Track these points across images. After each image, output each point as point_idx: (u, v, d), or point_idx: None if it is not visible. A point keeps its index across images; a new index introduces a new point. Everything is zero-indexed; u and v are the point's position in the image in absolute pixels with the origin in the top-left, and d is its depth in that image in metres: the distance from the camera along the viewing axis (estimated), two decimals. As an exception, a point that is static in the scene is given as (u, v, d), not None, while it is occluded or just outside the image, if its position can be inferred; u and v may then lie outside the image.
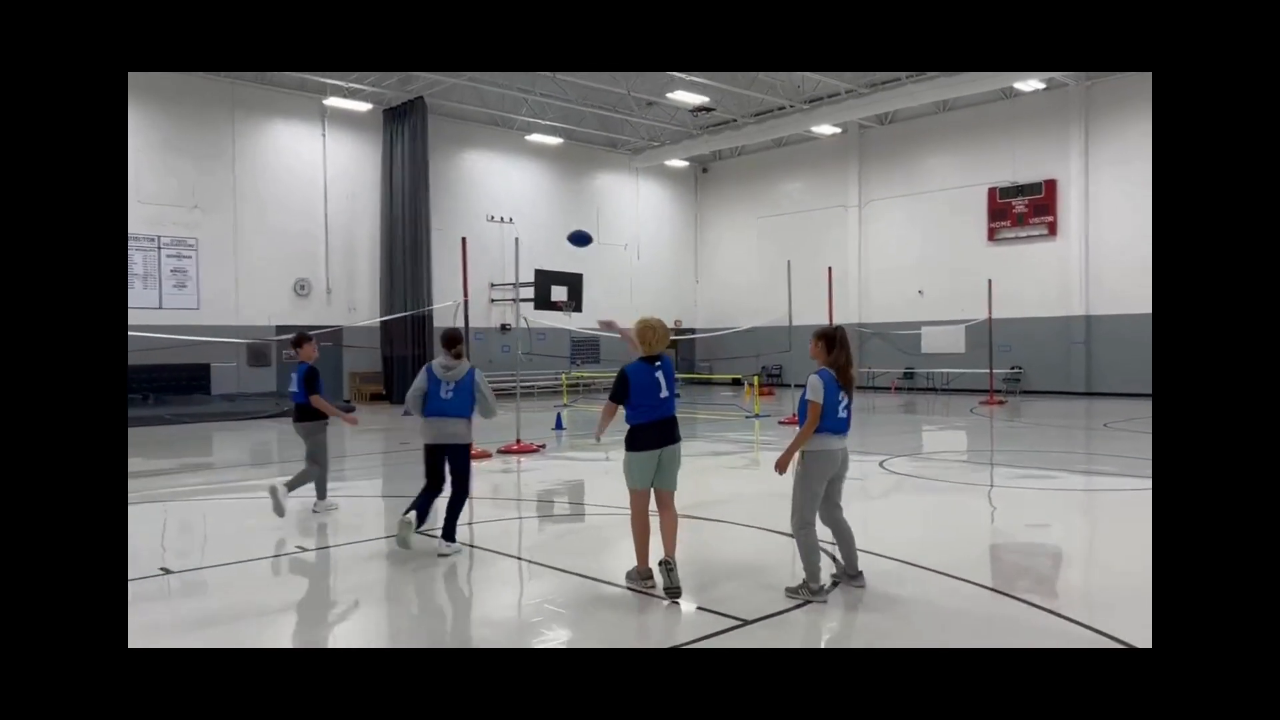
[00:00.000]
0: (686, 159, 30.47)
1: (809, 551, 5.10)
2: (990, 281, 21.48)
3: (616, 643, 4.70)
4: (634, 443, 5.23)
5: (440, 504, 6.64)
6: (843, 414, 5.12)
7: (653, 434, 5.20)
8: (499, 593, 5.81)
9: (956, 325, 24.70)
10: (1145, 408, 18.52)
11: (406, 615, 5.50)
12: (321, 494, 8.04)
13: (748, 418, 17.95)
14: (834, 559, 5.50)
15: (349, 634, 5.11)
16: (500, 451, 12.56)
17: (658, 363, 5.27)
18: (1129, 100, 22.16)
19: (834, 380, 5.10)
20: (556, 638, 4.78)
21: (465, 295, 12.88)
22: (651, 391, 5.20)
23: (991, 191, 24.67)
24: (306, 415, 7.85)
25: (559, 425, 15.78)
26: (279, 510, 7.42)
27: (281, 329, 21.27)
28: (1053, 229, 23.63)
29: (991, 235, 24.78)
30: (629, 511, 5.34)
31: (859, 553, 5.46)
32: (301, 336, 8.06)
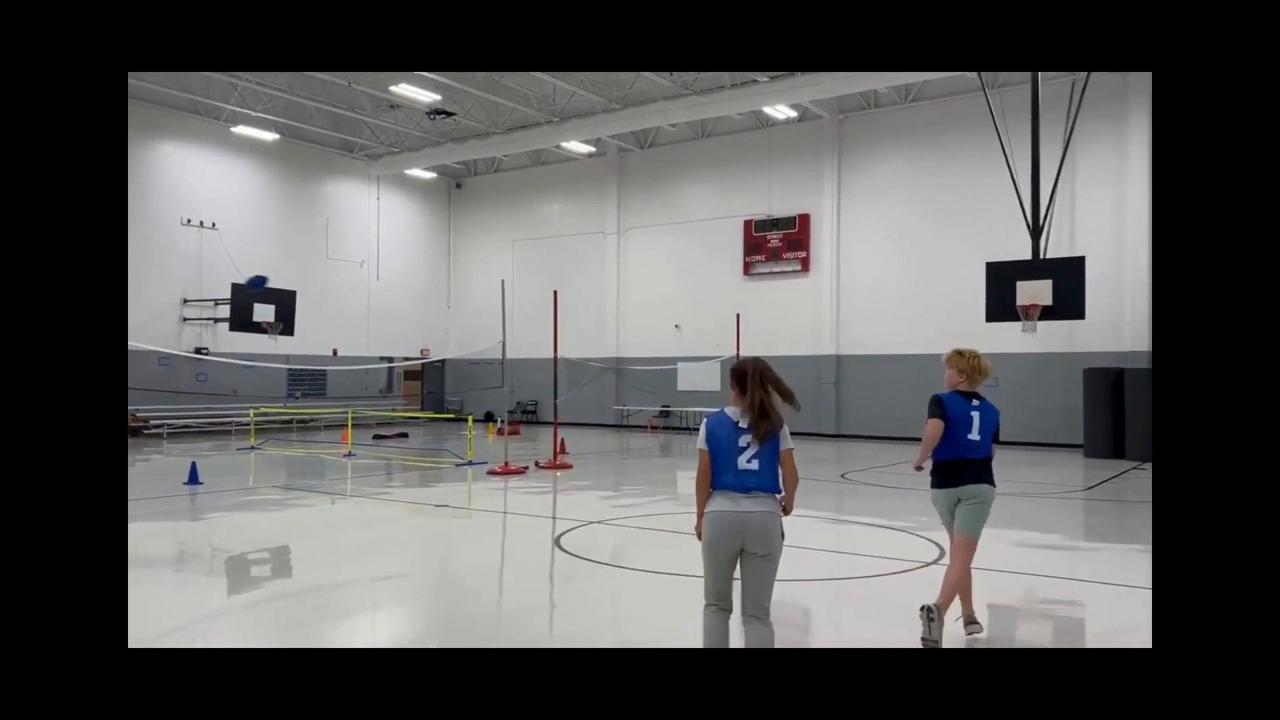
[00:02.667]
0: (432, 168, 27.59)
1: (704, 633, 4.09)
2: (739, 316, 20.18)
3: None
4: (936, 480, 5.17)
5: None
6: (749, 464, 3.98)
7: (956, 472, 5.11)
8: None
9: (711, 362, 23.35)
10: (889, 453, 17.63)
11: None
12: None
13: (459, 465, 15.20)
14: None
15: None
16: None
17: (975, 401, 5.22)
18: (880, 136, 21.83)
19: (731, 424, 4.05)
20: None
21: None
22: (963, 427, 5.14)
23: (747, 224, 23.66)
24: None
25: (193, 479, 12.24)
26: None
27: None
28: (806, 265, 22.87)
29: (747, 269, 23.73)
30: None
31: None
32: None
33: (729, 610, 4.06)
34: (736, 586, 4.03)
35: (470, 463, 15.16)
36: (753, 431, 3.96)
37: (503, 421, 17.05)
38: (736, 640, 4.12)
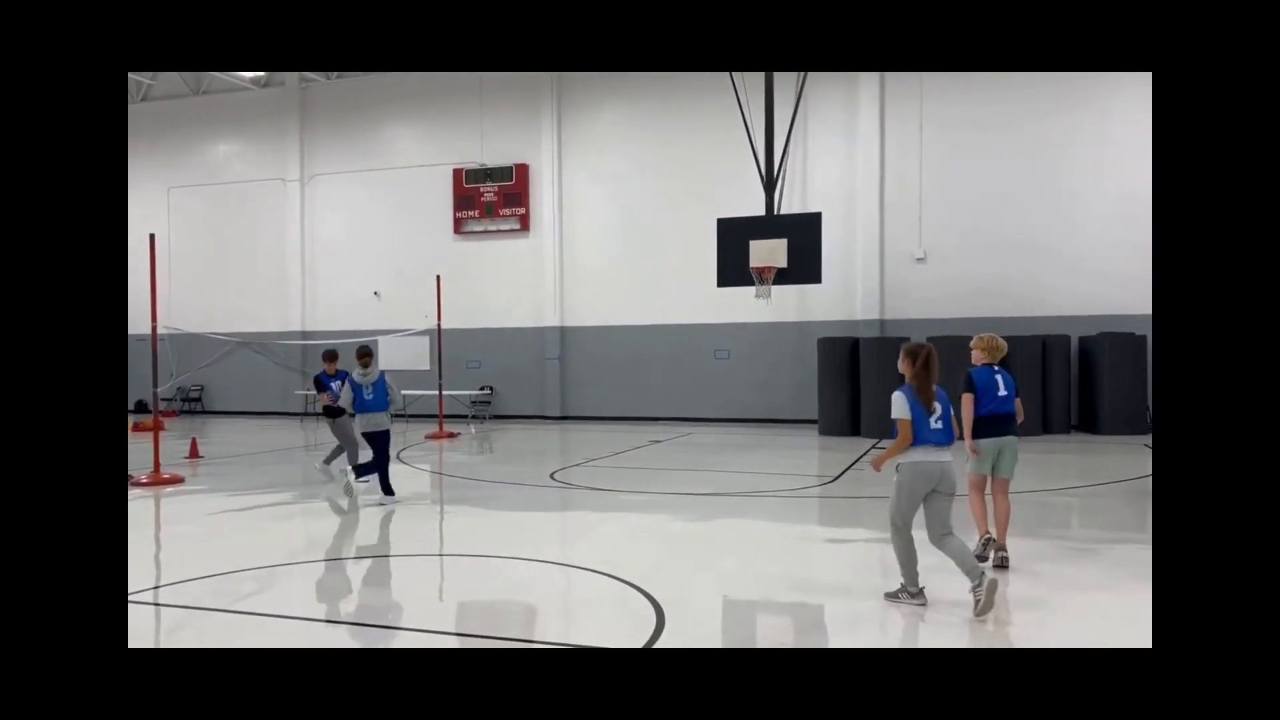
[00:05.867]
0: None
1: (900, 555, 5.29)
2: (439, 279, 16.90)
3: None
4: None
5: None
6: (936, 424, 5.14)
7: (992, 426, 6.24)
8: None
9: (419, 336, 19.87)
10: (613, 439, 15.27)
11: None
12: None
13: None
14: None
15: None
16: None
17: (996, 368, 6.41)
18: (602, 77, 19.30)
19: (916, 395, 5.15)
20: None
21: None
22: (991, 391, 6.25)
23: (457, 174, 20.31)
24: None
25: None
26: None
27: None
28: (525, 223, 19.98)
29: (458, 227, 20.42)
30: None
31: None
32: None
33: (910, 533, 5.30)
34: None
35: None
36: (924, 401, 5.15)
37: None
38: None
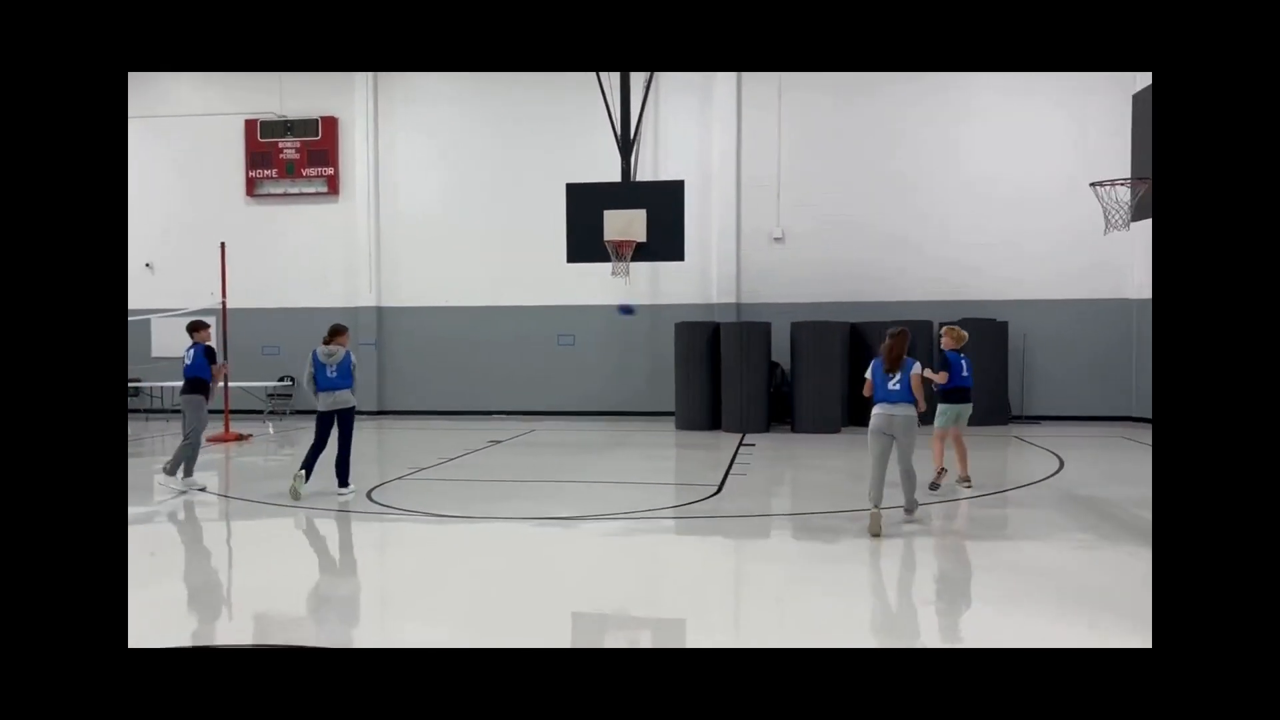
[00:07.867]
0: None
1: (872, 475, 6.88)
2: (223, 246, 13.94)
3: None
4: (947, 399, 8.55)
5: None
6: (894, 386, 6.85)
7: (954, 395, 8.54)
8: None
9: (205, 315, 16.60)
10: (443, 440, 13.04)
11: None
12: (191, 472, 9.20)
13: None
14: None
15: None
16: None
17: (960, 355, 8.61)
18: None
19: (880, 363, 6.96)
20: None
21: None
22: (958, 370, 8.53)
23: (251, 125, 17.17)
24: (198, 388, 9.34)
25: None
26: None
27: None
28: (334, 185, 17.17)
29: (251, 188, 17.30)
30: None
31: None
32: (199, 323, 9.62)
33: (885, 466, 6.89)
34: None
35: None
36: (885, 364, 6.93)
37: None
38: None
